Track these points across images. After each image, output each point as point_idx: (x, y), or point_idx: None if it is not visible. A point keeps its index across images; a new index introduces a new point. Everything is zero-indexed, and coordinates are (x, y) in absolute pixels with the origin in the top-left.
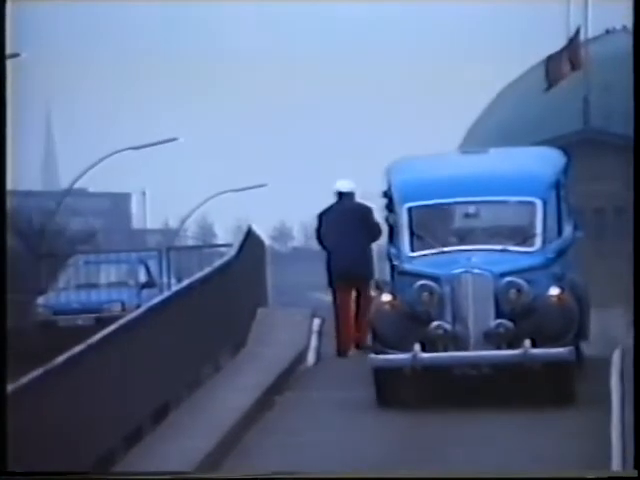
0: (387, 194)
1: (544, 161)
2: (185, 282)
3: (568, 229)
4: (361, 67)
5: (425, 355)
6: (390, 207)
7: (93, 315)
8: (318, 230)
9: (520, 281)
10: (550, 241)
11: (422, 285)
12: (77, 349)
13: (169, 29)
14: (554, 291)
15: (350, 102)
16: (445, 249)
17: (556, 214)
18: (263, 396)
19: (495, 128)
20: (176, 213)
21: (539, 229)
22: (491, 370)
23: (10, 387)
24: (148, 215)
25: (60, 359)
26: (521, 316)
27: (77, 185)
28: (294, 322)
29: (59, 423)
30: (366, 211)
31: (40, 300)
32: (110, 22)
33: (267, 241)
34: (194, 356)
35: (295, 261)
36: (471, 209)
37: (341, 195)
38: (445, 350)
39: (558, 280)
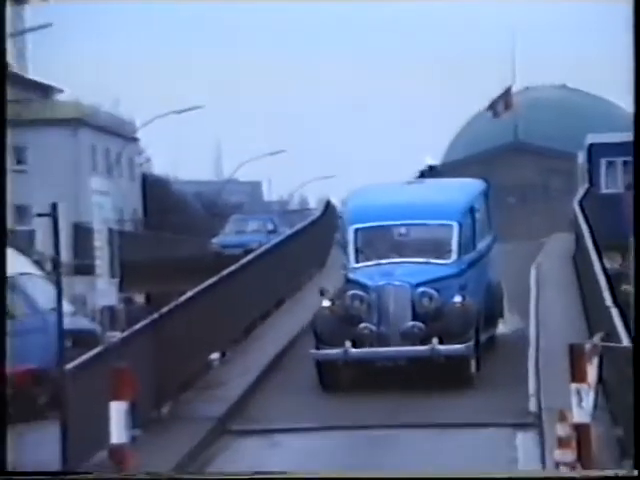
0: (341, 217)
1: (462, 191)
2: (293, 228)
3: (483, 243)
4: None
5: (354, 350)
6: (342, 227)
7: (242, 248)
8: None
9: (431, 291)
10: (464, 254)
11: (354, 294)
12: (211, 280)
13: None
14: (457, 299)
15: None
16: (382, 261)
17: (471, 232)
18: None
19: (468, 139)
20: (287, 192)
21: (454, 246)
22: (406, 362)
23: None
24: (273, 193)
25: (201, 286)
26: (431, 319)
27: (235, 175)
28: None
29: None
30: None
31: (214, 240)
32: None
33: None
34: (293, 276)
35: None
36: (403, 230)
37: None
38: (371, 346)
39: (462, 289)
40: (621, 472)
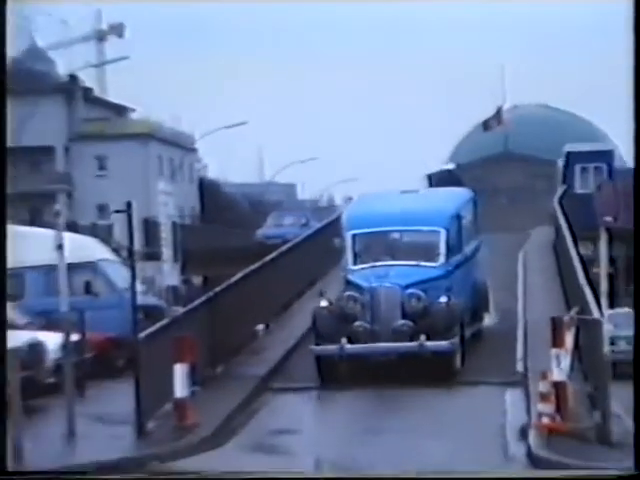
0: (341, 223)
1: (450, 200)
2: (322, 222)
3: (470, 246)
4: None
5: (349, 346)
6: (342, 232)
7: (281, 239)
8: None
9: (419, 292)
10: (451, 257)
11: (349, 295)
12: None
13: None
14: (443, 299)
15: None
16: (377, 264)
17: (457, 237)
18: None
19: (467, 148)
20: (317, 192)
21: (442, 249)
22: (397, 357)
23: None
24: (305, 193)
25: (247, 270)
26: (419, 317)
27: (274, 179)
28: None
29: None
30: None
31: (258, 232)
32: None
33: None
34: (323, 261)
35: None
36: (396, 235)
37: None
38: (365, 343)
39: (448, 290)
40: (621, 472)
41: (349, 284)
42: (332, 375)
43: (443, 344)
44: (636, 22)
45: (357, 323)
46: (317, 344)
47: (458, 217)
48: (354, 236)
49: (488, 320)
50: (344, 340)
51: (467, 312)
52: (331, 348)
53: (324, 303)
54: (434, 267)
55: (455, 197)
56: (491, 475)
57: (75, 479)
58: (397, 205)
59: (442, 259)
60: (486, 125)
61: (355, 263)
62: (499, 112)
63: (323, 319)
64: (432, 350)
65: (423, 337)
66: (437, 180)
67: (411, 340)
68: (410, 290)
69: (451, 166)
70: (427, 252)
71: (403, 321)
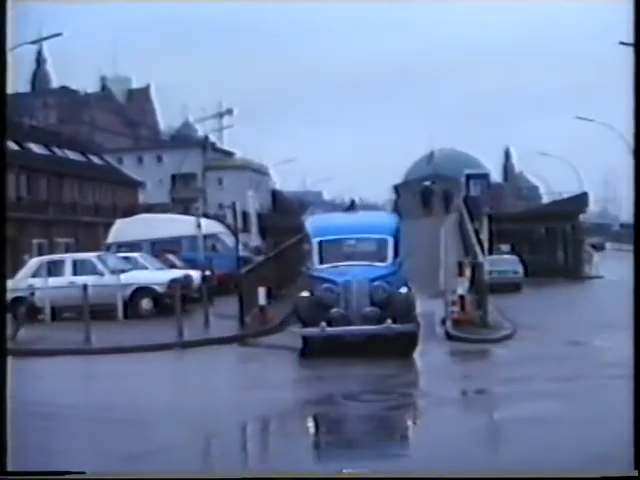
0: (305, 232)
1: (390, 218)
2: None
3: (401, 254)
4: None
5: (329, 329)
6: (307, 239)
7: None
8: None
9: (384, 284)
10: (395, 259)
11: (327, 287)
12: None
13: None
14: (403, 289)
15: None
16: (338, 264)
17: (397, 245)
18: None
19: (418, 169)
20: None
21: (390, 253)
22: (366, 338)
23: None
24: (329, 196)
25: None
26: (385, 305)
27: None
28: None
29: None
30: None
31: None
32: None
33: None
34: None
35: None
36: (352, 242)
37: None
38: (339, 326)
39: (405, 283)
40: (621, 472)
41: (316, 279)
42: (313, 351)
43: (409, 326)
44: (636, 22)
45: (334, 310)
46: (302, 327)
47: (397, 230)
48: (320, 242)
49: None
50: (323, 324)
51: None
52: (314, 330)
53: (305, 294)
54: (385, 266)
55: (392, 217)
56: (491, 475)
57: (75, 479)
58: (351, 219)
59: (390, 260)
60: (427, 159)
61: (321, 263)
62: (432, 154)
63: (305, 307)
64: (399, 331)
65: (389, 321)
66: (420, 192)
67: (378, 323)
68: (376, 282)
69: (428, 183)
70: (377, 255)
71: (371, 308)
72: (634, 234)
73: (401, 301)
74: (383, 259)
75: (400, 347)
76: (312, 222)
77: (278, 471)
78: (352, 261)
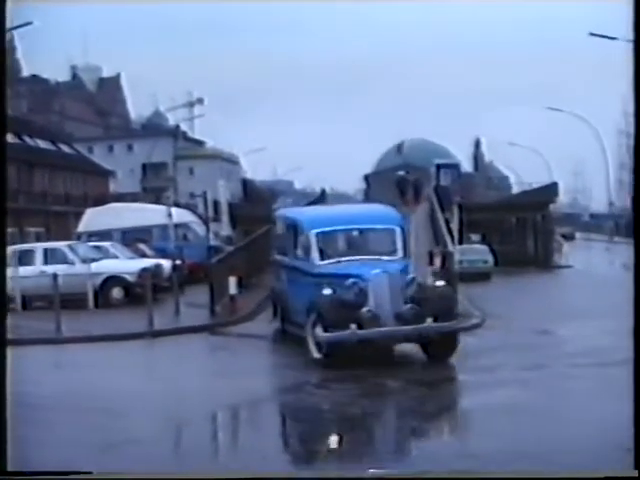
0: (294, 226)
1: (390, 208)
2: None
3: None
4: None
5: (359, 332)
6: (297, 234)
7: None
8: None
9: (418, 277)
10: (405, 252)
11: (353, 282)
12: None
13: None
14: (439, 282)
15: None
16: (342, 259)
17: (406, 238)
18: None
19: (388, 159)
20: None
21: (399, 245)
22: (401, 338)
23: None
24: (300, 186)
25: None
26: (422, 301)
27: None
28: None
29: None
30: None
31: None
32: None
33: None
34: None
35: None
36: (355, 233)
37: None
38: (371, 327)
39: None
40: (621, 472)
41: (318, 277)
42: (340, 359)
43: (452, 324)
44: (636, 22)
45: (365, 309)
46: (325, 330)
47: (403, 220)
48: (317, 234)
49: None
50: (354, 326)
51: None
52: (342, 334)
53: (327, 291)
54: (396, 260)
55: (390, 208)
56: (491, 475)
57: (75, 479)
58: (348, 209)
59: (400, 254)
60: (397, 149)
61: (322, 259)
62: (401, 144)
63: (328, 307)
64: (441, 331)
65: (429, 319)
66: (396, 182)
67: (415, 323)
68: (411, 275)
69: (402, 173)
70: (386, 248)
71: (410, 305)
72: (634, 234)
73: (442, 296)
74: (392, 252)
75: (438, 349)
76: (302, 213)
77: (278, 471)
78: (357, 255)
